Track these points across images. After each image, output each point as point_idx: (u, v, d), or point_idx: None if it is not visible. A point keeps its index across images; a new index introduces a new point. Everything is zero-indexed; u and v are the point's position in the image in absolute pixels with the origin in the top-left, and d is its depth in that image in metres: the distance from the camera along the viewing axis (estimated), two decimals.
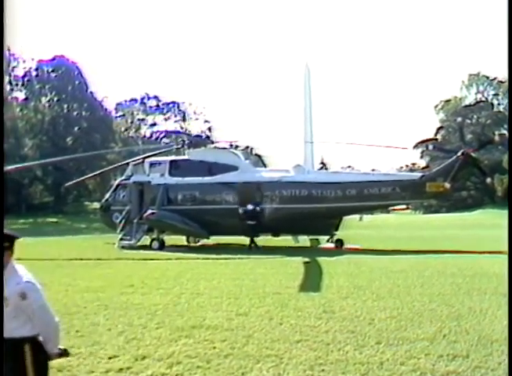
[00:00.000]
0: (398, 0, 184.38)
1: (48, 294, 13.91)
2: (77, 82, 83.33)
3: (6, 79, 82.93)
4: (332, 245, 30.24)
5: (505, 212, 70.96)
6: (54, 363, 7.84)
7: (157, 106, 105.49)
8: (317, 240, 32.34)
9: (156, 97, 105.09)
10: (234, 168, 31.56)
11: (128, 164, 34.89)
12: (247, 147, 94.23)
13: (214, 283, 15.53)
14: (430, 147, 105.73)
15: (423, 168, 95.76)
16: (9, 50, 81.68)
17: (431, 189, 28.86)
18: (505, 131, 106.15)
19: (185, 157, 33.42)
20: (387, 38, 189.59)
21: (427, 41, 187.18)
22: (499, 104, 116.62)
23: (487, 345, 8.69)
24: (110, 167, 47.32)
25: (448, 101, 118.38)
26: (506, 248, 21.05)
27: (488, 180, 41.99)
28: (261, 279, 16.51)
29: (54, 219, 70.12)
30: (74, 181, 51.46)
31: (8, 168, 52.43)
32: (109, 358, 8.13)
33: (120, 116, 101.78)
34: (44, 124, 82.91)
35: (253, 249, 28.55)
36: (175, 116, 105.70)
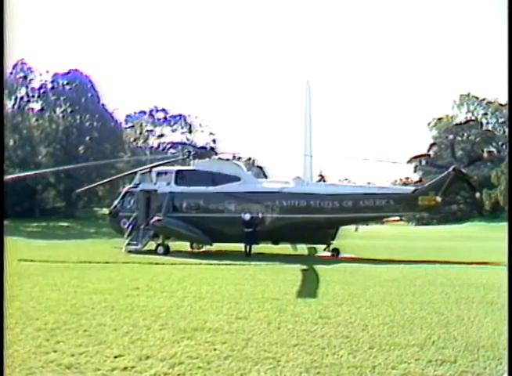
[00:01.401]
0: (394, 21, 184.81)
1: (57, 294, 14.00)
2: (89, 95, 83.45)
3: (23, 91, 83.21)
4: (328, 254, 30.21)
5: (492, 225, 71.14)
6: (63, 361, 7.86)
7: (165, 118, 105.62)
8: (314, 248, 32.32)
9: (164, 110, 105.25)
10: (237, 179, 31.60)
11: (135, 172, 34.91)
12: (249, 159, 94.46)
13: (216, 288, 15.48)
14: (423, 162, 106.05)
15: (416, 182, 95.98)
16: (25, 63, 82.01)
17: (423, 202, 28.86)
18: (493, 149, 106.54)
19: (191, 167, 33.43)
20: (384, 60, 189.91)
21: (422, 62, 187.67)
22: (487, 123, 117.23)
23: (474, 351, 8.66)
24: (119, 175, 47.31)
25: (440, 119, 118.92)
26: (495, 259, 20.95)
27: (477, 195, 42.02)
28: (260, 285, 16.46)
29: (65, 224, 70.11)
30: (85, 188, 51.48)
31: (22, 174, 52.57)
32: (115, 357, 8.10)
33: (129, 127, 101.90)
34: (58, 134, 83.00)
35: (249, 256, 28.47)
36: (182, 128, 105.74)
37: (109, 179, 48.91)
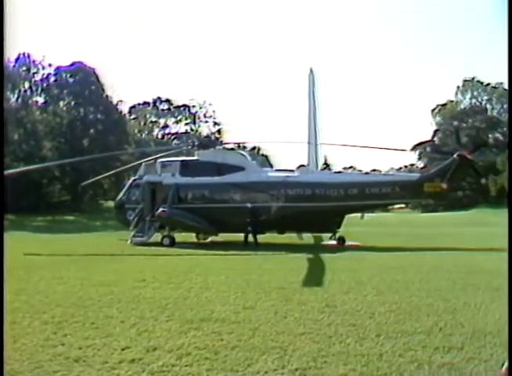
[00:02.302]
0: (397, 7, 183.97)
1: (64, 287, 14.03)
2: (93, 87, 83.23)
3: (27, 84, 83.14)
4: (334, 242, 30.23)
5: (498, 211, 70.96)
6: (70, 354, 7.88)
7: (169, 109, 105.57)
8: (320, 237, 32.33)
9: (167, 100, 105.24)
10: (241, 169, 31.58)
11: (140, 164, 34.93)
12: (254, 148, 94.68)
13: (222, 278, 15.50)
14: (428, 149, 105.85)
15: (421, 169, 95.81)
16: (28, 56, 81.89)
17: (429, 189, 28.84)
18: (498, 135, 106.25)
19: (195, 157, 33.42)
20: (388, 47, 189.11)
21: (426, 48, 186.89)
22: (492, 109, 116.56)
23: (480, 338, 8.65)
24: (124, 167, 47.32)
25: (444, 105, 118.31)
26: (501, 245, 20.92)
27: (483, 181, 42.00)
28: (267, 274, 16.48)
29: (71, 217, 70.18)
30: (90, 180, 51.50)
31: (27, 168, 52.61)
32: (122, 349, 8.11)
33: (133, 119, 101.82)
34: (62, 127, 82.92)
35: (249, 245, 28.47)
36: (186, 118, 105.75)
37: (114, 171, 48.93)
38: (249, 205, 29.53)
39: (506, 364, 5.67)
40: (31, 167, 54.25)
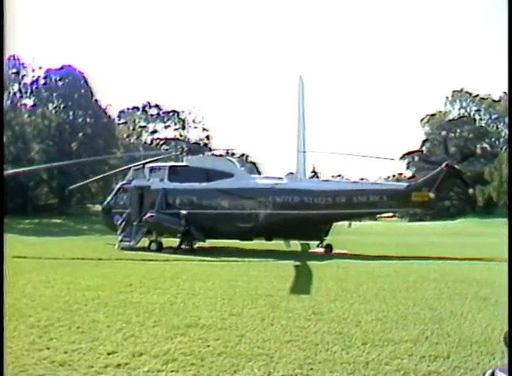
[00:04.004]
0: (387, 18, 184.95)
1: (51, 291, 13.95)
2: (82, 90, 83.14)
3: (16, 87, 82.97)
4: (322, 250, 30.25)
5: (485, 221, 71.36)
6: (56, 358, 7.85)
7: (158, 114, 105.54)
8: (307, 244, 32.34)
9: (157, 105, 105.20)
10: (230, 175, 31.59)
11: (129, 168, 34.86)
12: (243, 155, 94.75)
13: (209, 285, 15.48)
14: (417, 158, 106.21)
15: (409, 179, 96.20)
16: (18, 59, 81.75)
17: (417, 198, 28.92)
18: (486, 145, 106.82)
19: (184, 163, 33.40)
20: (378, 56, 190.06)
21: (415, 59, 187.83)
22: (480, 119, 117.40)
23: (467, 347, 8.69)
24: (113, 171, 47.25)
25: (433, 115, 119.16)
26: (488, 255, 21.02)
27: (470, 191, 42.17)
28: (254, 281, 16.47)
29: (58, 220, 69.94)
30: (78, 184, 51.32)
31: (15, 170, 52.31)
32: (108, 354, 8.09)
33: (122, 123, 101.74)
34: (50, 130, 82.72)
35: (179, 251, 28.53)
36: (175, 124, 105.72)
37: (102, 176, 48.83)
38: (183, 212, 29.52)
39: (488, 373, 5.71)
40: (17, 170, 53.93)
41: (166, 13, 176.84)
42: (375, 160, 59.67)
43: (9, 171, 49.73)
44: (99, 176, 48.95)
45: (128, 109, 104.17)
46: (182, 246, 29.27)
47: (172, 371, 7.36)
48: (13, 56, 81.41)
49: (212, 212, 30.83)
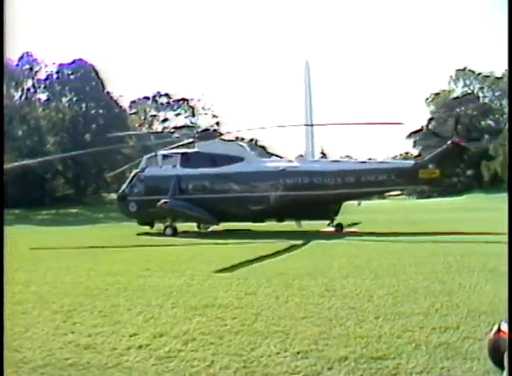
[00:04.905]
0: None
1: (71, 277, 14.08)
2: (94, 83, 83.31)
3: (30, 83, 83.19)
4: (332, 229, 30.30)
5: (491, 196, 71.07)
6: (80, 341, 7.94)
7: (168, 103, 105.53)
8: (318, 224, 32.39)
9: (167, 94, 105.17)
10: (240, 159, 31.65)
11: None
12: (252, 140, 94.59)
13: (224, 266, 15.53)
14: (425, 129, 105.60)
15: (415, 157, 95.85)
16: (31, 55, 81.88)
17: (424, 175, 28.88)
18: (490, 122, 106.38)
19: (195, 149, 33.43)
20: (384, 39, 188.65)
21: (419, 40, 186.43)
22: (484, 97, 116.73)
23: (475, 318, 8.70)
24: (132, 163, 46.91)
25: (437, 94, 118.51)
26: (495, 229, 20.95)
27: (469, 172, 42.08)
28: (267, 261, 16.53)
29: (74, 210, 70.19)
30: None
31: (32, 161, 52.49)
32: (130, 336, 8.15)
33: (133, 113, 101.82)
34: (64, 123, 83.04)
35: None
36: (185, 112, 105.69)
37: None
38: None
39: (495, 328, 5.70)
40: (31, 161, 53.94)
41: (174, 3, 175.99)
42: (382, 140, 59.35)
43: (24, 162, 49.86)
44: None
45: (139, 99, 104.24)
46: (197, 229, 29.41)
47: (192, 351, 7.41)
48: (27, 53, 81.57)
49: (224, 196, 30.93)
